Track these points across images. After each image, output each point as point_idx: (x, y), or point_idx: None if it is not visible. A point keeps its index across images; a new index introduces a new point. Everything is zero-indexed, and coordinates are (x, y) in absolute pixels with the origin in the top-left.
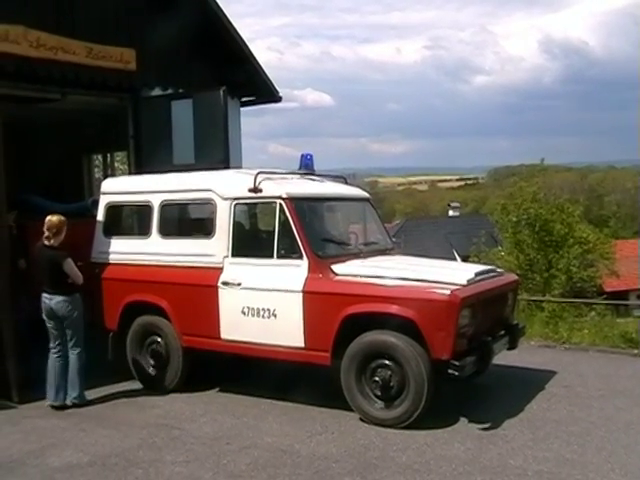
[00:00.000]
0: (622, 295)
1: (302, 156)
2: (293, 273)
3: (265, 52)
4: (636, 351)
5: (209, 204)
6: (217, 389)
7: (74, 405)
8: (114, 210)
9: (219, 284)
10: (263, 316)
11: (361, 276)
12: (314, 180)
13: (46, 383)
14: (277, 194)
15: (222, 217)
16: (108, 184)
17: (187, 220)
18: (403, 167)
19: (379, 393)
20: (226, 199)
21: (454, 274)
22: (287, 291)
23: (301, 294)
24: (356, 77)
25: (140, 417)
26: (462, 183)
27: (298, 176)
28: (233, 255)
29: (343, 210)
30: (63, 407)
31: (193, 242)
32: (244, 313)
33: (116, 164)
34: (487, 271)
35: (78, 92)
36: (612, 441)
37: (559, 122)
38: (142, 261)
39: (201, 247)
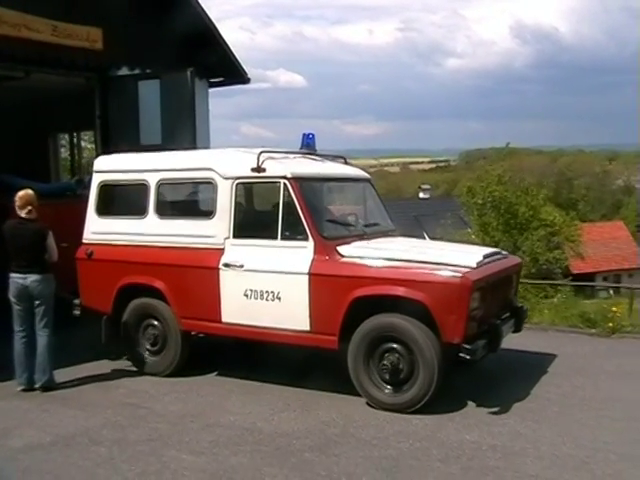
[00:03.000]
0: (589, 277)
1: (304, 135)
2: (298, 255)
3: (237, 32)
4: (593, 330)
5: (209, 184)
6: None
7: (44, 389)
8: (107, 189)
9: (220, 266)
10: (267, 299)
11: (369, 258)
12: (316, 160)
13: (15, 366)
14: (281, 174)
15: (223, 197)
16: (101, 162)
17: (185, 200)
18: (375, 149)
19: (387, 377)
20: (227, 179)
21: (463, 256)
22: (292, 273)
23: (307, 276)
24: (329, 58)
25: (105, 397)
26: (434, 165)
27: (299, 156)
28: (235, 236)
29: (345, 191)
30: (30, 389)
31: (192, 223)
32: (247, 296)
33: (83, 144)
34: (494, 253)
35: (43, 71)
36: (566, 416)
37: (530, 106)
38: (138, 242)
39: (201, 228)
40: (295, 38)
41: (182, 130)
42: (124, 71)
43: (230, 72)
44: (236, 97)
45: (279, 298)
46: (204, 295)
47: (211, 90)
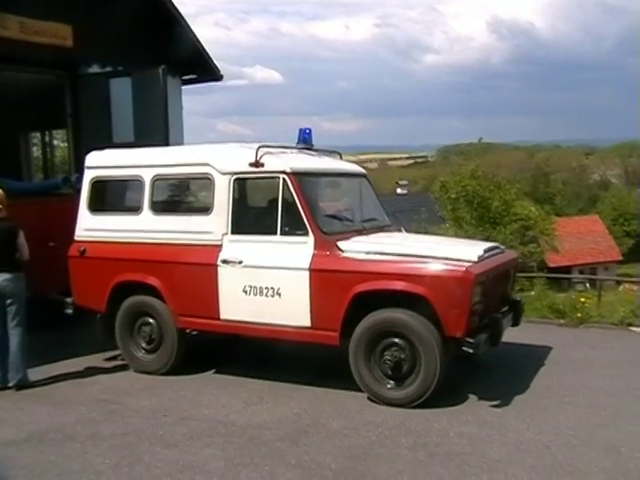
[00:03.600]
0: (566, 270)
1: (300, 130)
2: (298, 250)
3: (212, 28)
4: (562, 321)
5: (206, 179)
6: None
7: (18, 387)
8: (100, 185)
9: (218, 262)
10: (266, 295)
11: (370, 253)
12: (313, 155)
13: None
14: (280, 169)
15: (220, 193)
16: (93, 158)
17: (181, 196)
18: (354, 145)
19: (389, 372)
20: (225, 174)
21: (464, 250)
22: (293, 269)
23: (308, 272)
24: (306, 54)
25: (80, 394)
26: (412, 161)
27: (296, 151)
28: (233, 232)
29: (343, 186)
30: (4, 388)
31: (189, 219)
32: (246, 292)
33: (55, 142)
34: (493, 248)
35: (12, 68)
36: (531, 404)
37: (508, 102)
38: (132, 239)
39: (198, 224)
40: (271, 34)
41: (155, 127)
42: (95, 69)
43: (203, 69)
44: (213, 94)
45: (279, 294)
46: (201, 292)
47: (187, 87)
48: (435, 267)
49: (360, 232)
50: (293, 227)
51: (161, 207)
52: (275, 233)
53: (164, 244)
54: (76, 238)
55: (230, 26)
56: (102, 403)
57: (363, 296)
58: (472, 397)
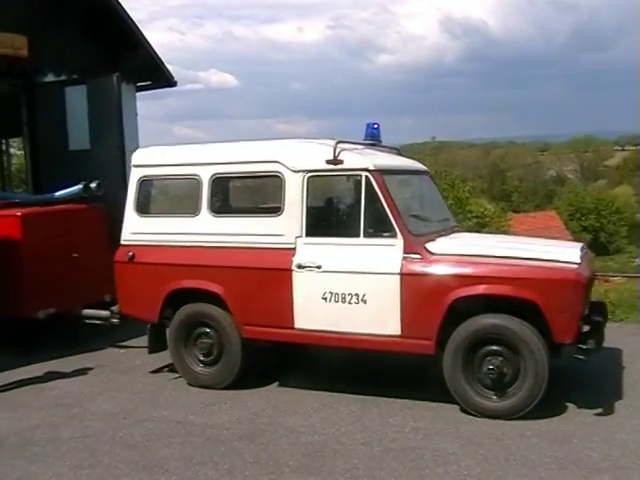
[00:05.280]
0: None
1: (368, 125)
2: (385, 253)
3: (166, 33)
4: None
5: (275, 177)
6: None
7: None
8: (149, 185)
9: (293, 267)
10: (349, 302)
11: (465, 255)
12: (382, 151)
13: None
14: (362, 166)
15: (292, 192)
16: (141, 156)
17: (245, 196)
18: None
19: (489, 383)
20: (297, 172)
21: (566, 252)
22: (381, 273)
23: (398, 276)
24: (260, 57)
25: (39, 399)
26: None
27: (364, 147)
28: (308, 234)
29: (414, 184)
30: None
31: (255, 221)
32: (325, 299)
33: (12, 150)
34: (582, 248)
35: None
36: None
37: (462, 100)
38: (189, 242)
39: (266, 226)
40: (225, 38)
41: (110, 134)
42: (50, 77)
43: (157, 76)
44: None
45: (364, 301)
46: (272, 299)
47: (142, 93)
48: (544, 270)
49: (439, 233)
50: (378, 228)
51: (222, 208)
52: (357, 235)
53: (226, 248)
54: (122, 242)
55: (184, 31)
56: (62, 407)
57: (461, 301)
58: (428, 392)
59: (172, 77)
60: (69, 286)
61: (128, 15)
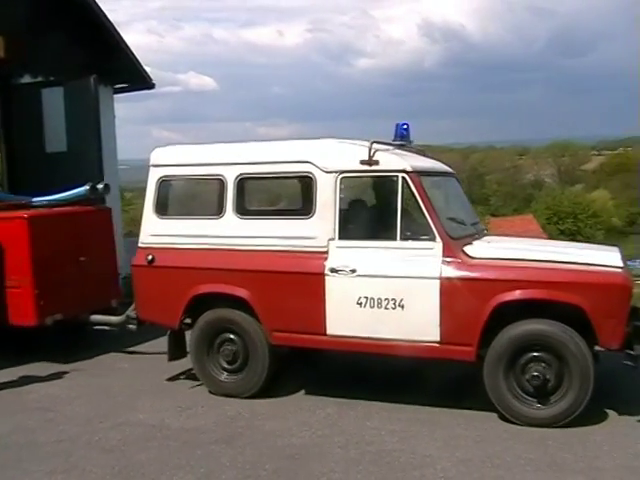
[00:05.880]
0: None
1: (397, 125)
2: (424, 257)
3: (145, 35)
4: None
5: (306, 178)
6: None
7: None
8: (169, 185)
9: (326, 271)
10: (386, 307)
11: (506, 259)
12: (413, 152)
13: None
14: (400, 167)
15: (324, 193)
16: (161, 155)
17: (273, 197)
18: None
19: (532, 390)
20: (330, 172)
21: (606, 256)
22: (420, 278)
23: (438, 281)
24: (239, 60)
25: (15, 403)
26: None
27: (392, 147)
28: (341, 237)
29: (445, 186)
30: None
31: (284, 223)
32: (360, 304)
33: None
34: (621, 251)
35: None
36: (461, 401)
37: (441, 104)
38: (212, 245)
39: (296, 229)
40: (205, 40)
41: (87, 136)
42: (27, 79)
43: (135, 78)
44: (147, 101)
45: (402, 306)
46: (303, 305)
47: (121, 95)
48: (591, 274)
49: (473, 236)
50: (416, 231)
51: (248, 210)
52: (394, 238)
53: (254, 251)
54: (140, 245)
55: (163, 33)
56: (38, 411)
57: (504, 306)
58: (403, 396)
59: (150, 79)
60: (76, 291)
61: (106, 17)
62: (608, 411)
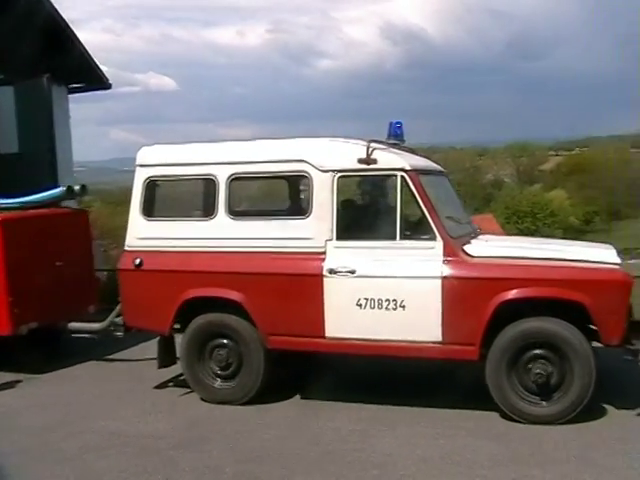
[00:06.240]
0: None
1: (391, 124)
2: (424, 256)
3: (102, 34)
4: None
5: (301, 177)
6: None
7: None
8: (157, 186)
9: (324, 272)
10: (387, 308)
11: (509, 257)
12: (407, 151)
13: None
14: (398, 166)
15: (321, 193)
16: (147, 154)
17: (268, 197)
18: None
19: (534, 388)
20: (326, 171)
21: (604, 253)
22: (421, 277)
23: (440, 280)
24: (200, 60)
25: None
26: None
27: (385, 146)
28: (339, 238)
29: (440, 185)
30: None
31: (279, 223)
32: (360, 306)
33: None
34: (616, 249)
35: None
36: (421, 398)
37: (402, 105)
38: (205, 247)
39: (292, 229)
40: (164, 40)
41: (40, 137)
42: None
43: (90, 78)
44: (105, 102)
45: (403, 307)
46: (301, 307)
47: (77, 95)
48: (593, 272)
49: (470, 235)
50: (416, 230)
51: (242, 211)
52: (394, 238)
53: (248, 253)
54: (127, 248)
55: (121, 32)
56: None
57: (506, 305)
58: (364, 395)
59: (106, 79)
60: (52, 298)
61: (59, 14)
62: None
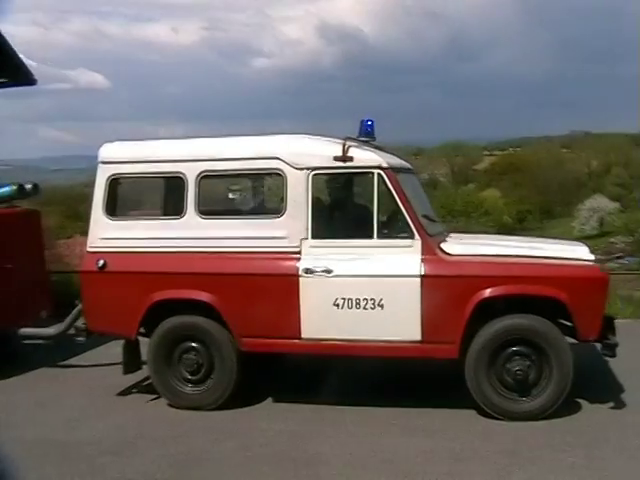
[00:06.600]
0: None
1: (362, 122)
2: (402, 255)
3: (29, 27)
4: None
5: (275, 175)
6: None
7: None
8: (121, 184)
9: (300, 272)
10: (365, 307)
11: (487, 255)
12: (379, 149)
13: None
14: (375, 163)
15: (295, 191)
16: (111, 150)
17: (239, 195)
18: None
19: (513, 384)
20: (300, 169)
21: (579, 250)
22: (400, 276)
23: (419, 279)
24: (132, 57)
25: None
26: None
27: (356, 143)
28: (314, 237)
29: (411, 182)
30: None
31: (251, 223)
32: (337, 306)
33: None
34: (588, 246)
35: None
36: (349, 397)
37: (338, 105)
38: (173, 248)
39: (265, 228)
40: (95, 36)
41: None
42: None
43: (14, 73)
44: (33, 98)
45: (381, 306)
46: (275, 308)
47: (1, 90)
48: (572, 269)
49: (443, 234)
50: (393, 229)
51: (212, 209)
52: (371, 236)
53: (219, 253)
54: (89, 249)
55: (49, 25)
56: None
57: (485, 302)
58: (294, 396)
59: (32, 75)
60: (2, 302)
61: None
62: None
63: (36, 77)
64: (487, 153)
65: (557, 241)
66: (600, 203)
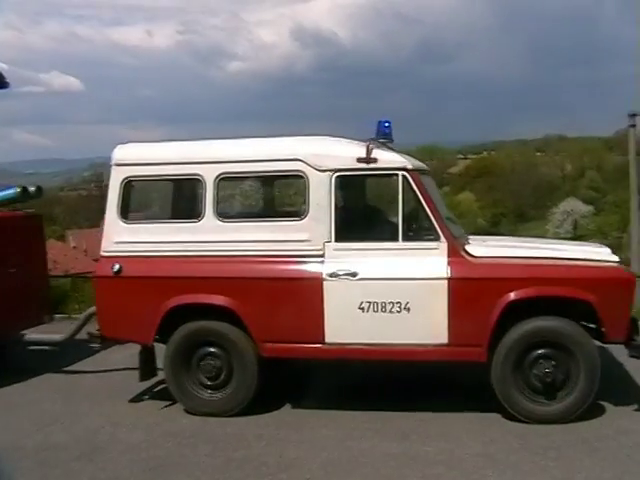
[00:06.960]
0: None
1: (379, 123)
2: (428, 258)
3: (3, 30)
4: None
5: (297, 177)
6: None
7: None
8: (136, 187)
9: (324, 276)
10: (390, 311)
11: (513, 257)
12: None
13: None
14: (400, 165)
15: (318, 193)
16: (126, 152)
17: (260, 198)
18: None
19: (540, 387)
20: (323, 171)
21: (603, 252)
22: (427, 279)
23: (446, 281)
24: (106, 61)
25: None
26: None
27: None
28: (338, 240)
29: (432, 185)
30: None
31: (272, 225)
32: (362, 309)
33: None
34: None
35: None
36: (328, 401)
37: (311, 108)
38: (192, 252)
39: (286, 231)
40: (69, 39)
41: None
42: None
43: None
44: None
45: (407, 309)
46: (299, 312)
47: None
48: (600, 270)
49: (466, 236)
50: (419, 231)
51: (231, 212)
52: (396, 239)
53: (240, 257)
54: (103, 254)
55: (23, 28)
56: None
57: (513, 305)
58: (271, 400)
59: (3, 77)
60: (5, 307)
61: None
62: (468, 404)
63: (8, 80)
64: (461, 156)
65: (577, 243)
66: (574, 206)
